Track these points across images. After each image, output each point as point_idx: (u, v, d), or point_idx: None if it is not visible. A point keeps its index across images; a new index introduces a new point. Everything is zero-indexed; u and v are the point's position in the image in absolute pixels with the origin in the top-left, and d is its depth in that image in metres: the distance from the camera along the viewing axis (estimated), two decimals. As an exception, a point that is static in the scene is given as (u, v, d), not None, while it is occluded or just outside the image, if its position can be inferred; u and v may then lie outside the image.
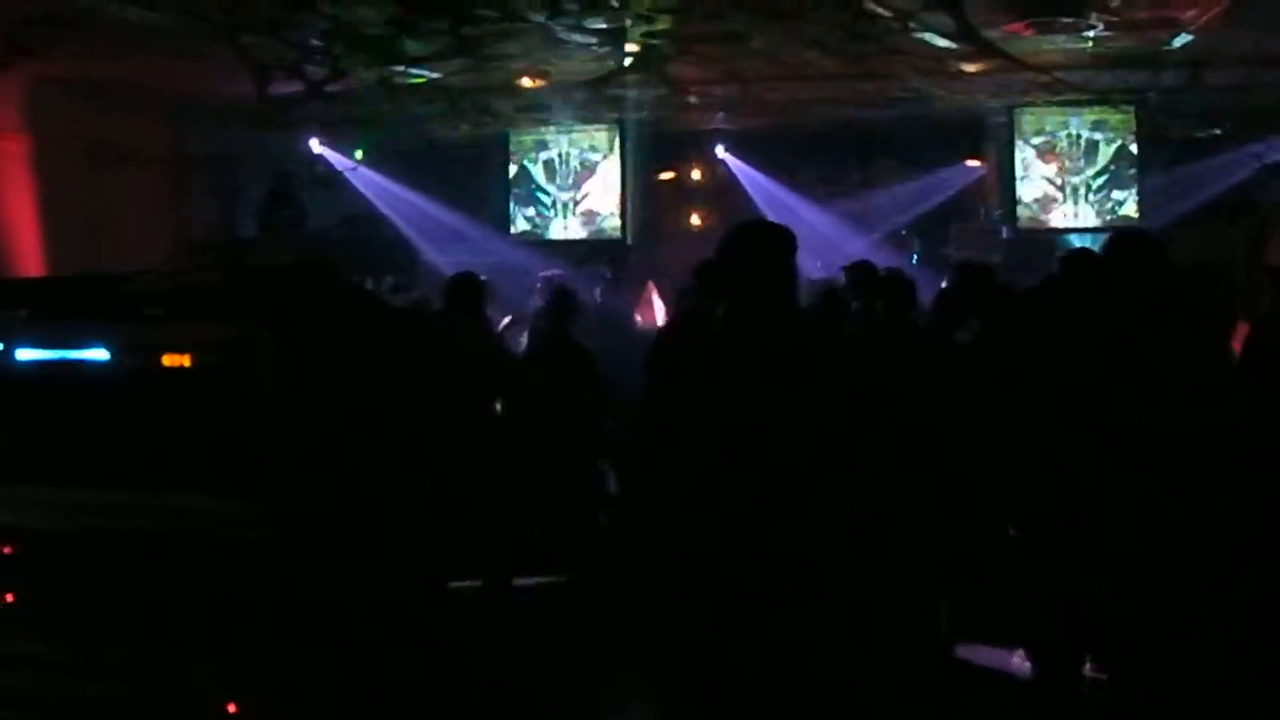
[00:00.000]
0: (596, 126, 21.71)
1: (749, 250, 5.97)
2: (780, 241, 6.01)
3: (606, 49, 15.87)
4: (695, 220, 23.26)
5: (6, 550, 5.93)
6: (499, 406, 9.53)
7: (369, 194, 21.68)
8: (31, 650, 5.84)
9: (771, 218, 21.04)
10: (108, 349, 5.84)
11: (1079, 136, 20.48)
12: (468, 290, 10.73)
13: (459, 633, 6.18)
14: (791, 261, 6.00)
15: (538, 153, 22.06)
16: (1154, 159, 20.23)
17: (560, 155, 22.03)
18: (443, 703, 6.06)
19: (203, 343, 5.70)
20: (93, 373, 5.86)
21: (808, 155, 22.65)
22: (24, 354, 5.98)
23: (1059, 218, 20.66)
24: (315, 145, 21.17)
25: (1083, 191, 20.51)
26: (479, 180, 22.43)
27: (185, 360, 5.67)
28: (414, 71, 16.47)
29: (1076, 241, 19.09)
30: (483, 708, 6.21)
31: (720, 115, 21.43)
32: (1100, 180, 20.43)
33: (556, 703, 6.55)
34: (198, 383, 5.70)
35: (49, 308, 6.28)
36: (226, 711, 5.53)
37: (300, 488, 5.66)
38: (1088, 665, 7.22)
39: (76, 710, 5.76)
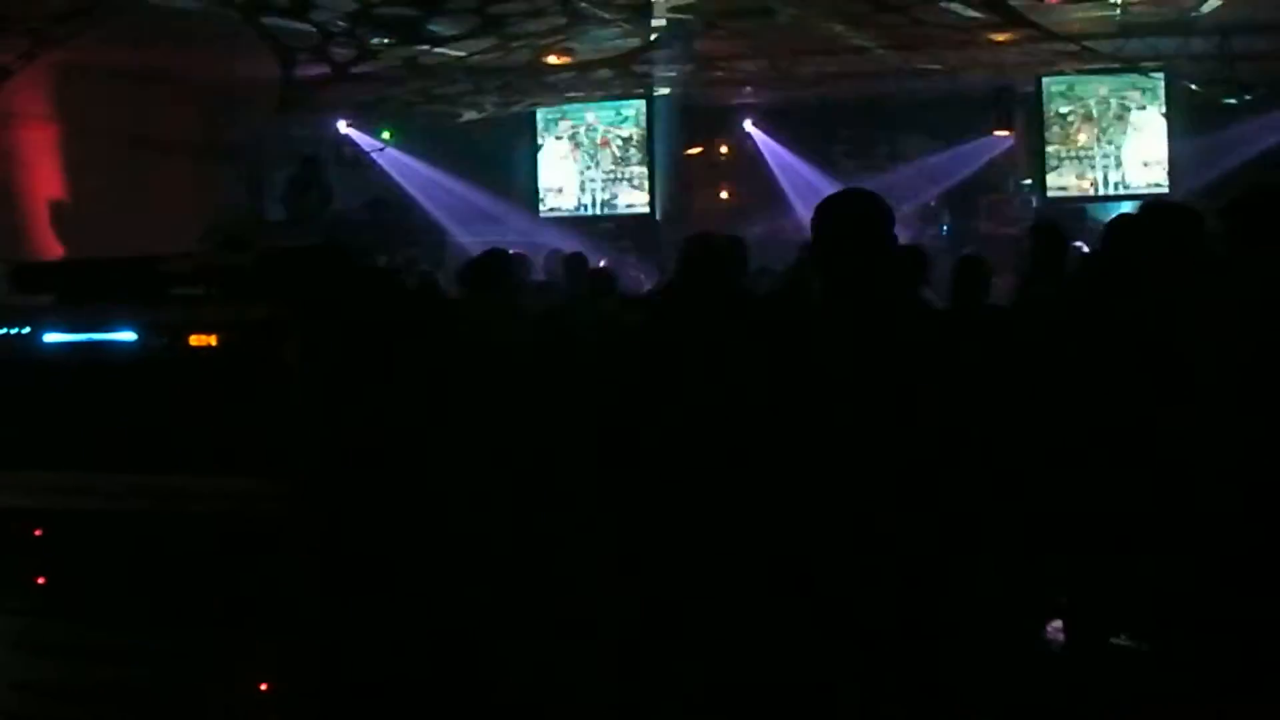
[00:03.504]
0: (623, 103, 21.68)
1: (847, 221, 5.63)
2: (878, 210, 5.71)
3: (633, 25, 15.84)
4: (724, 195, 23.22)
5: (37, 533, 5.94)
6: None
7: (396, 175, 21.68)
8: (62, 634, 5.85)
9: (795, 194, 21.25)
10: (134, 330, 5.85)
11: (1108, 105, 20.40)
12: (485, 269, 10.64)
13: (486, 621, 6.13)
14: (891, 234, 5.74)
15: (565, 130, 22.05)
16: (1183, 127, 20.12)
17: (587, 132, 22.01)
18: (468, 689, 6.04)
19: (230, 324, 5.70)
20: (119, 355, 5.86)
21: (835, 129, 22.61)
22: (51, 337, 6.00)
23: (1088, 187, 20.57)
24: (342, 127, 21.18)
25: (1112, 160, 20.43)
26: (506, 159, 22.41)
27: (212, 340, 5.67)
28: (440, 51, 16.45)
29: (1109, 211, 19.02)
30: (507, 696, 6.18)
31: (747, 90, 21.41)
32: (1129, 149, 20.33)
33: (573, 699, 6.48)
34: (225, 364, 5.70)
35: (75, 290, 6.29)
36: (259, 692, 5.53)
37: (332, 470, 5.66)
38: (1122, 637, 7.17)
39: (108, 694, 5.77)
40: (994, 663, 5.77)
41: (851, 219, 5.62)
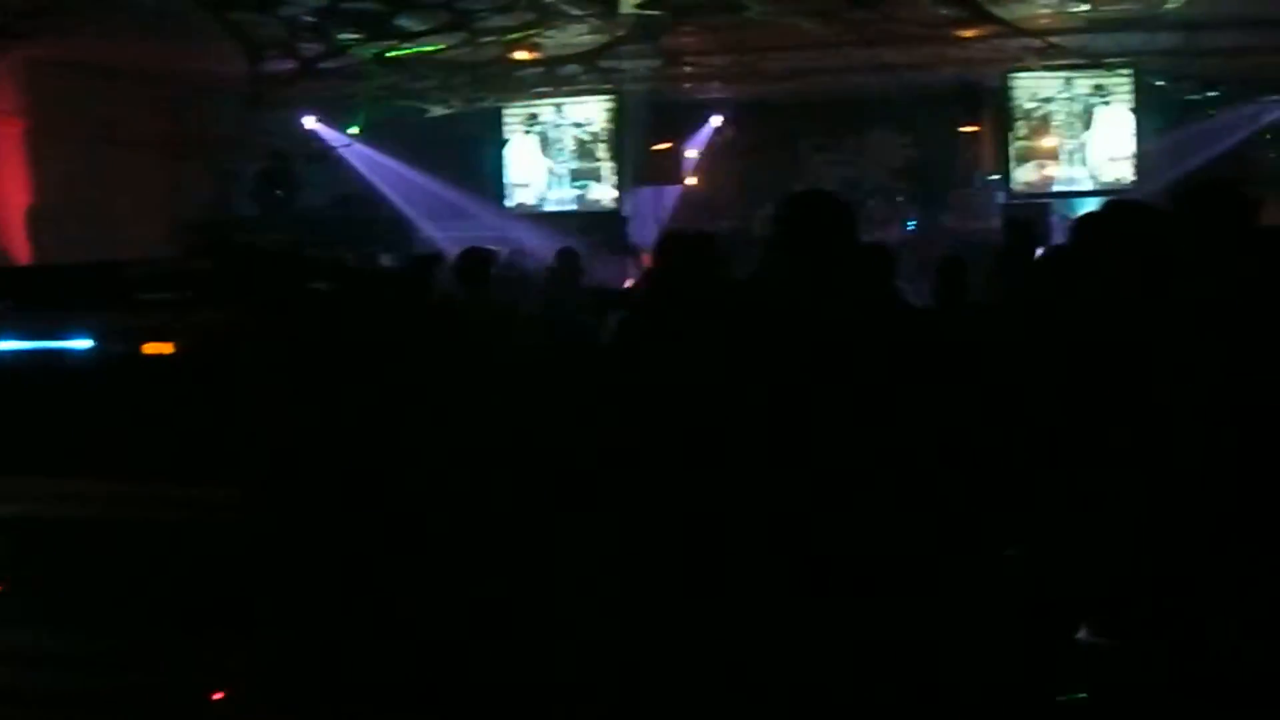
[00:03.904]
0: (591, 99, 21.67)
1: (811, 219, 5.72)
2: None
3: (600, 20, 15.85)
4: (692, 191, 23.23)
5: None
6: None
7: (364, 170, 21.65)
8: (22, 641, 5.83)
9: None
10: (91, 338, 5.82)
11: (1075, 101, 20.46)
12: (469, 265, 10.72)
13: (455, 625, 6.12)
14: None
15: (532, 126, 22.06)
16: (1150, 123, 20.21)
17: (555, 128, 22.03)
18: (435, 695, 6.03)
19: (187, 330, 5.68)
20: (76, 361, 5.84)
21: (803, 124, 22.63)
22: (4, 344, 5.97)
23: (1055, 183, 20.64)
24: (310, 122, 21.16)
25: (1079, 156, 20.49)
26: (474, 154, 22.39)
27: (168, 348, 5.65)
28: (407, 47, 16.45)
29: (1075, 207, 19.11)
30: (479, 702, 6.16)
31: (715, 85, 21.41)
32: (1096, 145, 20.40)
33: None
34: (182, 370, 5.68)
35: (31, 296, 6.27)
36: (211, 701, 5.52)
37: (293, 475, 5.65)
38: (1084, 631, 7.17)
39: (64, 701, 5.75)
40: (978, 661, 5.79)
41: (816, 217, 5.64)
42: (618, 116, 21.82)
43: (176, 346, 5.67)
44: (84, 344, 5.84)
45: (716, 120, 22.47)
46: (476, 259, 10.78)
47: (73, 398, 5.85)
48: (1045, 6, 16.09)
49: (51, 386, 5.91)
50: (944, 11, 15.21)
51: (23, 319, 6.09)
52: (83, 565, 5.80)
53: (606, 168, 21.94)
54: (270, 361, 5.64)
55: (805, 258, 5.59)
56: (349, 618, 5.78)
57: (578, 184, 22.06)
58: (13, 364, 5.97)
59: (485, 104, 21.08)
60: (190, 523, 5.57)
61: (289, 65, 16.07)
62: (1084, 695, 5.90)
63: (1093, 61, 19.33)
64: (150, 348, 5.69)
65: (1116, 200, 7.60)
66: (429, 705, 6.02)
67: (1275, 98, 19.72)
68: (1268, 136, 20.20)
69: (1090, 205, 17.89)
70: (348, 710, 5.77)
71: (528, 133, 22.08)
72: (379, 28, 15.22)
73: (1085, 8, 16.21)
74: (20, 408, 5.97)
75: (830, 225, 5.63)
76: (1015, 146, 20.80)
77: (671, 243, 7.19)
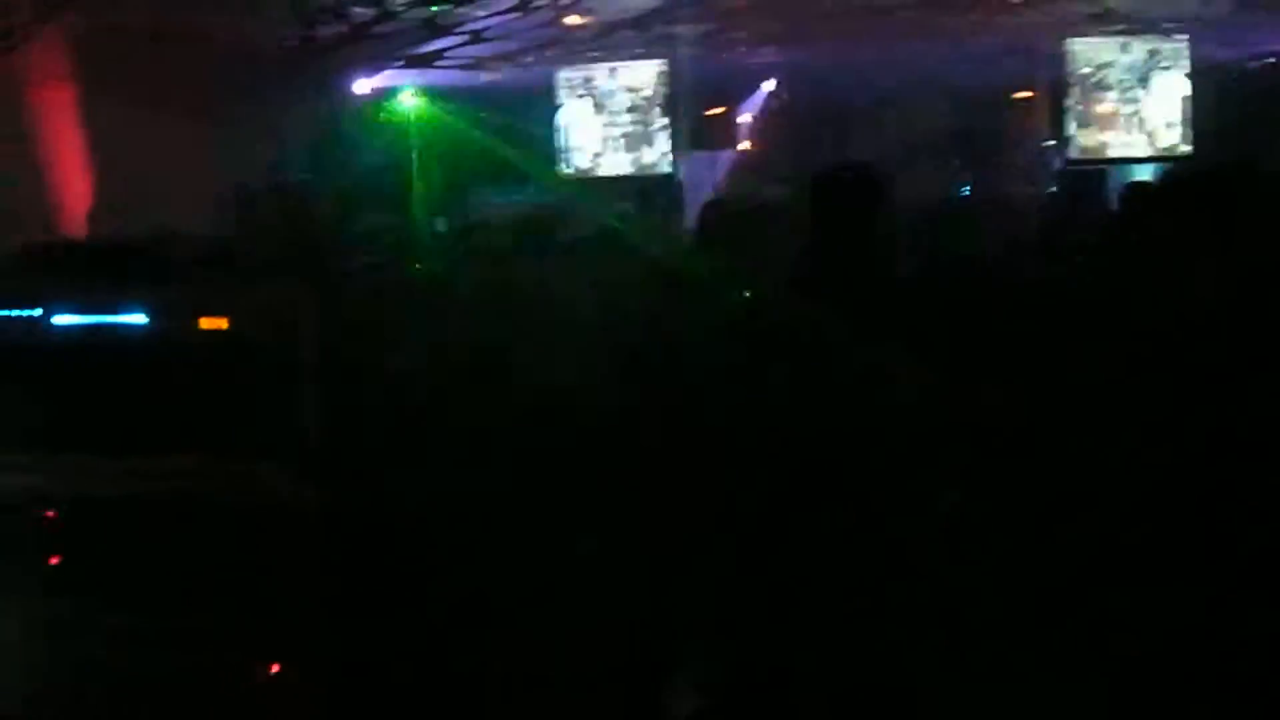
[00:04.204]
0: (645, 63, 21.59)
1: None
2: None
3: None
4: (746, 155, 23.18)
5: (50, 515, 5.93)
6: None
7: (417, 135, 21.63)
8: (74, 615, 5.84)
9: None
10: (145, 313, 5.81)
11: (1131, 67, 20.29)
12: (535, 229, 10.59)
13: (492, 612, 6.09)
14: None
15: (587, 90, 21.99)
16: (1207, 89, 20.04)
17: (609, 93, 21.96)
18: (477, 678, 6.01)
19: (242, 306, 5.67)
20: (130, 337, 5.83)
21: (857, 88, 22.51)
22: (59, 319, 5.97)
23: (1112, 149, 20.48)
24: (362, 87, 21.14)
25: (1135, 121, 20.34)
26: (529, 119, 22.34)
27: (223, 324, 5.64)
28: (461, 11, 16.43)
29: (1134, 173, 18.99)
30: (517, 686, 6.13)
31: (770, 50, 21.32)
32: (1152, 110, 20.23)
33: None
34: (237, 347, 5.67)
35: (85, 271, 6.26)
36: (266, 676, 5.53)
37: (347, 456, 5.64)
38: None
39: (118, 675, 5.76)
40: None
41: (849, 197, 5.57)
42: (671, 81, 21.70)
43: (232, 322, 5.67)
44: (139, 319, 5.83)
45: (770, 84, 22.39)
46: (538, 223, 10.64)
47: (128, 374, 5.85)
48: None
49: (106, 362, 5.90)
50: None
51: (77, 294, 6.08)
52: (139, 542, 5.80)
53: (661, 133, 21.83)
54: (333, 337, 5.63)
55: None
56: (400, 592, 5.78)
57: (631, 149, 21.96)
58: (67, 339, 5.97)
59: (540, 68, 21.03)
60: (241, 500, 5.58)
61: (341, 29, 16.07)
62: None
63: (1148, 26, 19.17)
64: (207, 323, 5.68)
65: (1178, 170, 7.44)
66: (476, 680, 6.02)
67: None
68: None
69: (1147, 171, 17.86)
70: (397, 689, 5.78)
71: (581, 97, 22.00)
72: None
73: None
74: (76, 384, 5.98)
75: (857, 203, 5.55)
76: (1073, 112, 20.62)
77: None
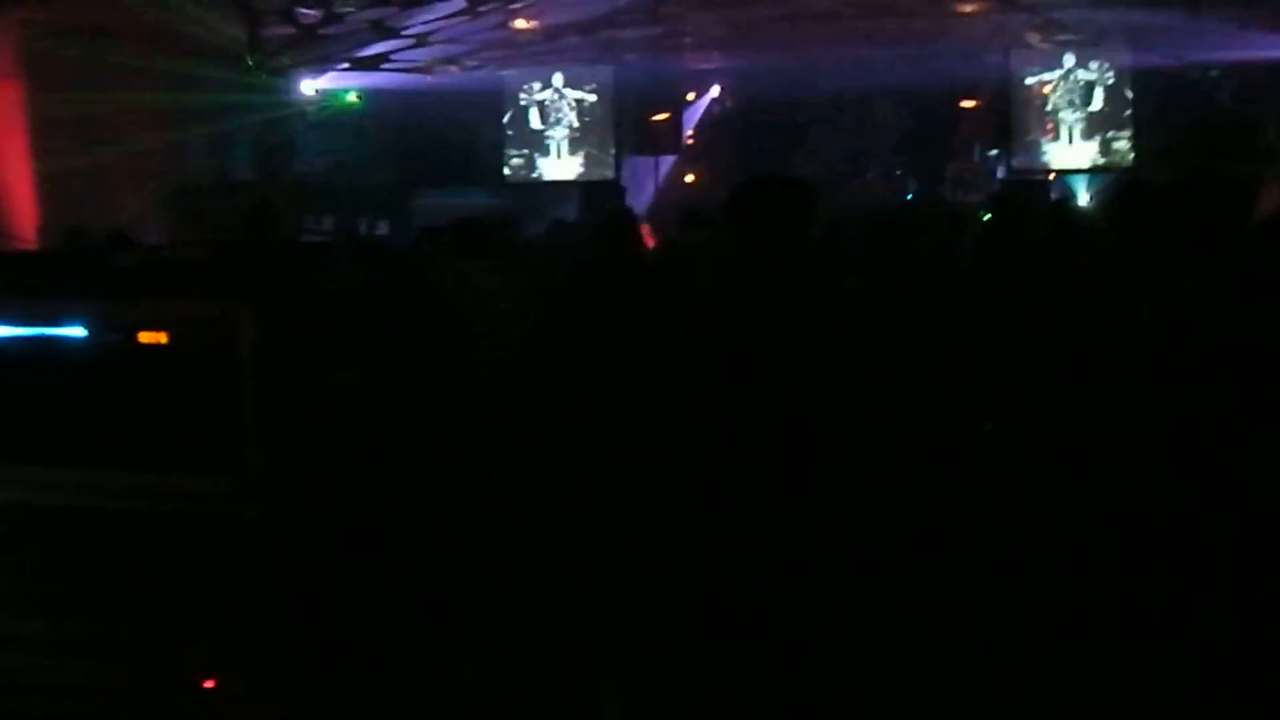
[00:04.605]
0: (591, 68, 21.62)
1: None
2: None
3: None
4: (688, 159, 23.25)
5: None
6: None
7: (361, 137, 21.61)
8: (11, 628, 5.81)
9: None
10: (84, 326, 5.75)
11: (1074, 77, 20.42)
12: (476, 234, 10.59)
13: (452, 616, 6.10)
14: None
15: (532, 94, 22.00)
16: (1149, 101, 20.19)
17: (554, 97, 21.98)
18: (433, 686, 6.02)
19: (181, 320, 5.62)
20: (69, 350, 5.77)
21: (803, 95, 22.60)
22: (-1, 331, 5.90)
23: (1053, 158, 20.61)
24: (307, 89, 21.09)
25: (1078, 132, 20.47)
26: (473, 122, 22.34)
27: (163, 338, 5.59)
28: (408, 15, 16.43)
29: (1073, 183, 19.21)
30: (473, 694, 6.15)
31: (715, 55, 21.38)
32: (1095, 120, 20.37)
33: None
34: (176, 360, 5.62)
35: (24, 283, 6.19)
36: (203, 689, 5.50)
37: (285, 465, 5.61)
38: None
39: (54, 689, 5.73)
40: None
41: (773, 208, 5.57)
42: (617, 86, 21.74)
43: (171, 336, 5.61)
44: (78, 331, 5.77)
45: (715, 90, 22.45)
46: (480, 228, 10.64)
47: (66, 385, 5.80)
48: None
49: (45, 374, 5.84)
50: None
51: (15, 305, 6.00)
52: (74, 554, 5.77)
53: (603, 137, 21.87)
54: (269, 351, 5.58)
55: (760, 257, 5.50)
56: (342, 606, 5.77)
57: (574, 153, 21.98)
58: (5, 350, 5.90)
59: (485, 71, 21.03)
60: (181, 513, 5.54)
61: (288, 31, 16.04)
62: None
63: (1092, 38, 19.31)
64: (145, 336, 5.63)
65: (1123, 179, 7.54)
66: (421, 691, 6.02)
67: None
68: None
69: (1082, 182, 18.08)
70: (339, 698, 5.77)
71: (525, 102, 22.01)
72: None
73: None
74: (12, 395, 5.92)
75: (785, 219, 5.54)
76: (1015, 122, 20.75)
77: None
